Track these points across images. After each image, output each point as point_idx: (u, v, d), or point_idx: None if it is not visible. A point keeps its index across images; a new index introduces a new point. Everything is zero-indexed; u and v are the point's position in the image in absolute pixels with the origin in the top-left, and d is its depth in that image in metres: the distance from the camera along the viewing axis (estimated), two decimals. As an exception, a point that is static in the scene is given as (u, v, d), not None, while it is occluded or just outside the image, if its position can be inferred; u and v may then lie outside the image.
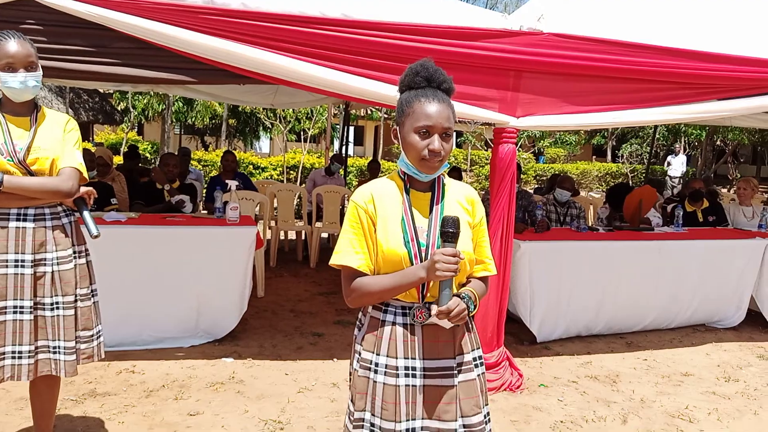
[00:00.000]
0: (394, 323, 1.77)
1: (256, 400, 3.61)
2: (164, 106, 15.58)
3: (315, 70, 3.50)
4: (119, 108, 18.15)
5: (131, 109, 16.46)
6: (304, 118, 17.07)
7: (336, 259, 1.78)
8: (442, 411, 1.75)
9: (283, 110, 15.78)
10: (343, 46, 3.53)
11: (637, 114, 4.12)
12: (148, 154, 16.24)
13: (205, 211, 5.61)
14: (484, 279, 1.90)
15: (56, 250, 2.53)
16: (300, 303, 5.71)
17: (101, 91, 17.02)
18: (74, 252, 2.60)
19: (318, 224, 7.48)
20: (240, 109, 19.29)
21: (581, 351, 4.77)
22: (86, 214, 2.60)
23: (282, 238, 8.17)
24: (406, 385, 1.74)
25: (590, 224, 6.84)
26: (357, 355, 1.83)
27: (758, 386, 4.25)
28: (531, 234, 5.02)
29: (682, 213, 5.91)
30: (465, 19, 3.76)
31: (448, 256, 1.61)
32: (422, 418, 1.75)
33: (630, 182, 18.16)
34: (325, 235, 8.15)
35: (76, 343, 2.58)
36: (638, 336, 5.19)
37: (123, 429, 3.17)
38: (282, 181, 12.73)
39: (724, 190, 14.80)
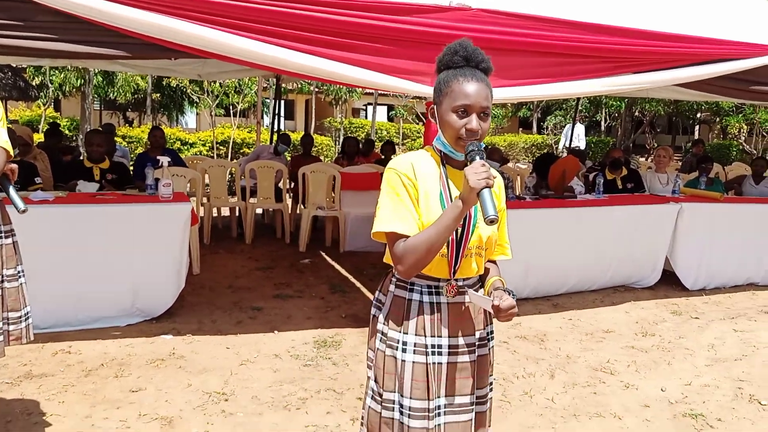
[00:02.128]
0: (420, 301, 1.76)
1: (199, 374, 3.64)
2: (83, 81, 14.87)
3: (250, 44, 3.50)
4: (34, 83, 17.20)
5: (48, 85, 15.63)
6: (232, 92, 16.69)
7: (379, 226, 1.70)
8: (461, 386, 1.79)
9: (210, 84, 15.39)
10: (275, 19, 3.54)
11: (560, 87, 4.33)
12: (67, 131, 15.54)
13: (135, 189, 5.48)
14: (496, 263, 1.93)
15: None
16: (238, 279, 5.72)
17: (14, 65, 16.07)
18: (0, 232, 2.54)
19: (252, 200, 7.44)
20: (165, 83, 18.66)
21: (511, 314, 4.99)
22: (11, 189, 2.55)
23: (215, 215, 8.09)
24: (433, 363, 1.74)
25: (518, 193, 7.11)
26: (380, 335, 1.81)
27: (671, 339, 4.61)
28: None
29: (602, 181, 6.22)
30: (396, -6, 3.83)
31: (477, 166, 1.59)
32: (444, 396, 1.77)
33: (555, 152, 18.75)
34: (259, 210, 8.11)
35: (4, 324, 2.54)
36: (563, 298, 5.49)
37: (64, 408, 3.15)
38: (212, 157, 12.50)
39: (642, 159, 15.49)
